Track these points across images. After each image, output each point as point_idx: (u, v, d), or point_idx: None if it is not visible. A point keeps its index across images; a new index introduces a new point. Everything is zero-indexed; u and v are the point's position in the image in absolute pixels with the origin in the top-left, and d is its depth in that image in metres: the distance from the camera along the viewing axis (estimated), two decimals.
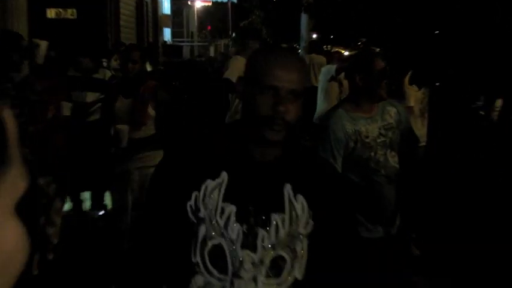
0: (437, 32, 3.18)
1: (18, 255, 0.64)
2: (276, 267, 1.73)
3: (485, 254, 3.85)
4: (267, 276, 1.72)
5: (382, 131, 3.40)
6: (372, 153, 3.36)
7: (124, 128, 4.61)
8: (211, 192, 1.71)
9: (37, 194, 4.56)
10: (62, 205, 6.14)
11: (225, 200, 1.71)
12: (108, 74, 6.88)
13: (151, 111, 4.71)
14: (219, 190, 1.71)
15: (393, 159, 3.42)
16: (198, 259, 1.71)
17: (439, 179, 4.08)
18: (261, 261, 1.71)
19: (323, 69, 9.18)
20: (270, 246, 1.72)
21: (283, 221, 1.73)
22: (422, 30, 3.14)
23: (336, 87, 8.02)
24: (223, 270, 1.70)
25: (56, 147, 4.81)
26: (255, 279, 1.70)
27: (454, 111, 4.26)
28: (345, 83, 8.00)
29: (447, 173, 4.13)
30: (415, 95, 5.45)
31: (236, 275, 1.69)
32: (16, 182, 0.65)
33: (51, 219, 4.87)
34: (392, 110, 3.49)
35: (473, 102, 4.27)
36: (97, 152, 5.92)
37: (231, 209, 1.70)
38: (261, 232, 1.71)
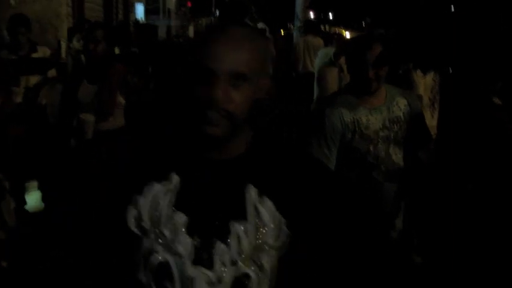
0: (453, 9, 3.22)
1: None
2: (240, 287, 1.58)
3: (496, 269, 3.84)
4: None
5: (387, 124, 3.41)
6: (371, 147, 3.39)
7: (89, 118, 4.60)
8: (158, 199, 1.57)
9: None
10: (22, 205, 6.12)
11: (174, 208, 1.57)
12: (48, 52, 6.65)
13: (120, 99, 4.73)
14: (168, 196, 1.57)
15: (396, 156, 3.44)
16: (143, 278, 1.58)
17: (449, 179, 4.10)
18: (219, 280, 1.56)
19: (320, 53, 9.15)
20: (230, 262, 1.56)
21: (246, 230, 1.56)
22: (437, 6, 3.17)
23: (335, 73, 7.90)
24: None
25: (11, 139, 4.78)
26: None
27: (467, 101, 4.24)
28: (346, 68, 7.95)
29: (460, 179, 4.13)
30: (424, 83, 5.42)
31: None
32: None
33: (3, 221, 4.82)
34: (403, 102, 3.49)
35: (489, 89, 4.22)
36: (50, 144, 5.74)
37: (180, 217, 1.55)
38: (219, 245, 1.55)
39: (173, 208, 1.56)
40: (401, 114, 3.44)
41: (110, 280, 1.69)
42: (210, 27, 1.67)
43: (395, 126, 3.42)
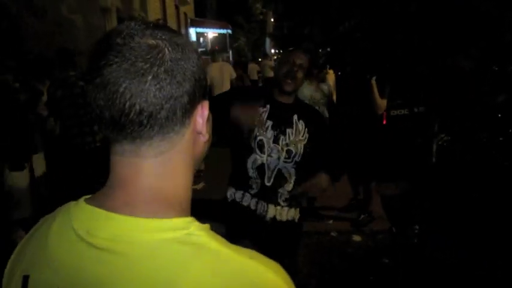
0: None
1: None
2: (289, 154, 1.74)
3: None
4: (285, 157, 1.73)
5: (321, 95, 3.66)
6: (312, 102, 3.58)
7: None
8: (262, 114, 1.73)
9: None
10: None
11: (267, 118, 1.72)
12: None
13: None
14: (265, 113, 1.73)
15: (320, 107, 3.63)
16: (253, 145, 1.72)
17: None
18: (282, 150, 1.72)
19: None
20: (285, 143, 1.73)
21: (292, 132, 1.74)
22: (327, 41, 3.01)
23: None
24: (263, 152, 1.72)
25: None
26: (279, 158, 1.73)
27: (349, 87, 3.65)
28: None
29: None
30: (331, 78, 5.00)
31: (269, 155, 1.72)
32: None
33: None
34: (326, 88, 3.74)
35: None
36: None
37: (269, 123, 1.72)
38: (282, 136, 1.73)
39: (267, 118, 1.72)
40: (326, 92, 3.69)
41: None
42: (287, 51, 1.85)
43: (324, 97, 3.63)
